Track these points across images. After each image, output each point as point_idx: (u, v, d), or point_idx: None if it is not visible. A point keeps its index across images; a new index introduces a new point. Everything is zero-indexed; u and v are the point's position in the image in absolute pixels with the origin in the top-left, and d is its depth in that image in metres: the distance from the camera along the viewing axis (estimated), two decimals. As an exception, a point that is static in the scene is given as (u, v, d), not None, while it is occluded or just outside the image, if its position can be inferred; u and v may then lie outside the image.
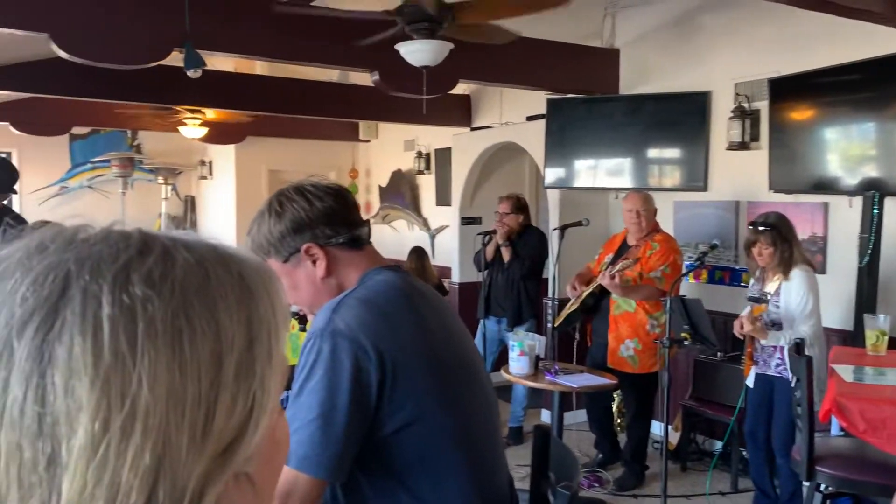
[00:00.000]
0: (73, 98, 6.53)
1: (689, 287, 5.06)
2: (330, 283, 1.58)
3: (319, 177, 1.66)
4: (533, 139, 5.93)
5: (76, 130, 9.09)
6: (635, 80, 5.53)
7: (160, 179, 9.57)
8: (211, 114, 7.55)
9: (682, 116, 5.15)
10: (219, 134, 8.17)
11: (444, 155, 7.58)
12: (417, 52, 3.97)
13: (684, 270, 4.50)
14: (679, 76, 5.22)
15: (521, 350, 4.07)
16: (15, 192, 3.34)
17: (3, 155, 8.79)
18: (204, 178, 10.08)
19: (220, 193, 9.61)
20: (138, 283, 0.47)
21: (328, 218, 1.56)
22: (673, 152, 5.32)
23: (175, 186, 9.99)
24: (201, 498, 0.47)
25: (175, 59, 4.34)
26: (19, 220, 3.59)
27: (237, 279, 0.51)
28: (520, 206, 5.30)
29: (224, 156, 9.36)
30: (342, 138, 9.06)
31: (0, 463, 0.44)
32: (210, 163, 9.90)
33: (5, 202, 3.80)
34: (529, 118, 6.07)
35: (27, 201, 8.71)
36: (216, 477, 0.48)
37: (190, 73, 4.16)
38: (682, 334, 3.92)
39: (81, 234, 0.50)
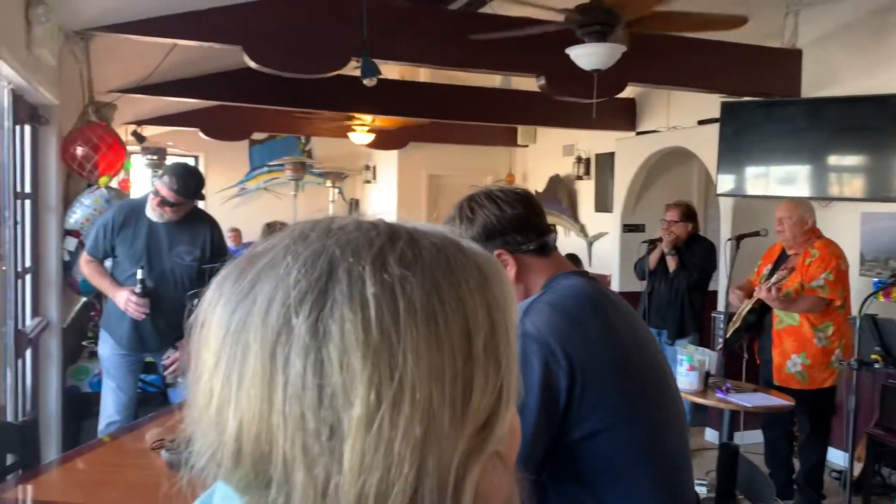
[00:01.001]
0: (254, 106, 7.03)
1: (879, 306, 4.64)
2: (518, 289, 1.58)
3: (504, 182, 1.67)
4: (704, 144, 5.68)
5: (255, 136, 9.76)
6: (819, 82, 5.16)
7: (328, 183, 10.09)
8: (377, 120, 7.86)
9: (872, 121, 4.73)
10: (384, 140, 8.49)
11: (604, 160, 7.44)
12: (589, 55, 3.93)
13: (873, 288, 4.13)
14: (869, 78, 4.82)
15: (691, 364, 3.90)
16: (203, 199, 3.61)
17: (191, 158, 9.63)
18: (368, 181, 10.51)
19: (383, 197, 9.98)
20: (394, 265, 0.49)
21: (519, 224, 1.57)
22: (859, 159, 4.92)
23: (341, 189, 10.49)
24: (465, 475, 0.49)
25: (348, 68, 4.55)
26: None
27: (474, 265, 0.53)
28: (689, 214, 5.09)
29: (387, 161, 9.72)
30: (500, 143, 9.13)
31: (287, 432, 0.47)
32: (374, 167, 10.31)
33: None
34: (701, 122, 5.83)
35: (211, 201, 9.45)
36: (477, 455, 0.50)
37: (366, 82, 4.34)
38: (873, 356, 3.60)
39: (334, 224, 0.54)
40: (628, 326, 1.56)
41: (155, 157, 8.04)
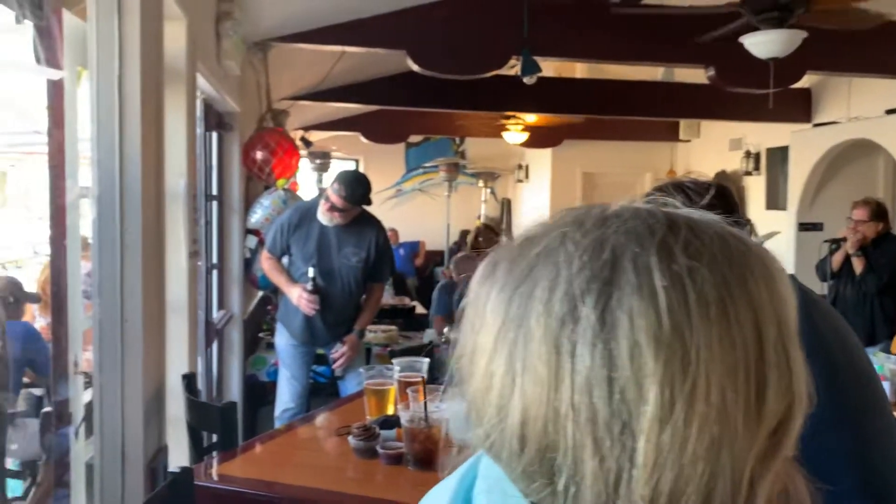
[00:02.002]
0: (412, 109, 7.23)
1: None
2: None
3: (697, 173, 1.59)
4: (892, 135, 5.19)
5: (412, 138, 10.02)
6: None
7: (480, 183, 10.18)
8: (532, 119, 7.83)
9: None
10: (538, 138, 8.44)
11: (776, 154, 6.98)
12: (765, 43, 3.69)
13: None
14: None
15: (882, 375, 3.57)
16: (370, 203, 3.74)
17: (352, 162, 10.05)
18: (520, 181, 10.50)
19: (536, 196, 9.93)
20: (681, 255, 0.47)
21: None
22: None
23: (493, 189, 10.55)
24: (758, 478, 0.47)
25: (504, 67, 4.56)
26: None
27: (756, 256, 0.50)
28: (879, 212, 4.66)
29: (540, 159, 9.65)
30: (660, 139, 8.82)
31: (577, 422, 0.46)
32: (527, 166, 10.28)
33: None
34: (889, 111, 5.33)
35: (370, 202, 9.81)
36: (770, 458, 0.48)
37: (526, 80, 4.33)
38: None
39: (608, 211, 0.52)
40: (834, 330, 1.45)
41: (320, 161, 8.46)
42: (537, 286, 0.49)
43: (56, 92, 1.89)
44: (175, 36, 2.39)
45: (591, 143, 8.94)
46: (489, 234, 6.06)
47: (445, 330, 4.53)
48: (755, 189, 7.52)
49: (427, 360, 2.18)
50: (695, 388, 0.44)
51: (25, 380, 2.98)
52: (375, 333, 4.49)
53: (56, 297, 1.98)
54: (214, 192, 3.95)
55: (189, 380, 2.25)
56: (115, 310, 1.91)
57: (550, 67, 6.73)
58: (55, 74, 1.61)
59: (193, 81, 2.67)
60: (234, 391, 4.11)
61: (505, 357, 0.49)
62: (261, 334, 4.80)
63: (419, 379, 1.96)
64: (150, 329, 2.00)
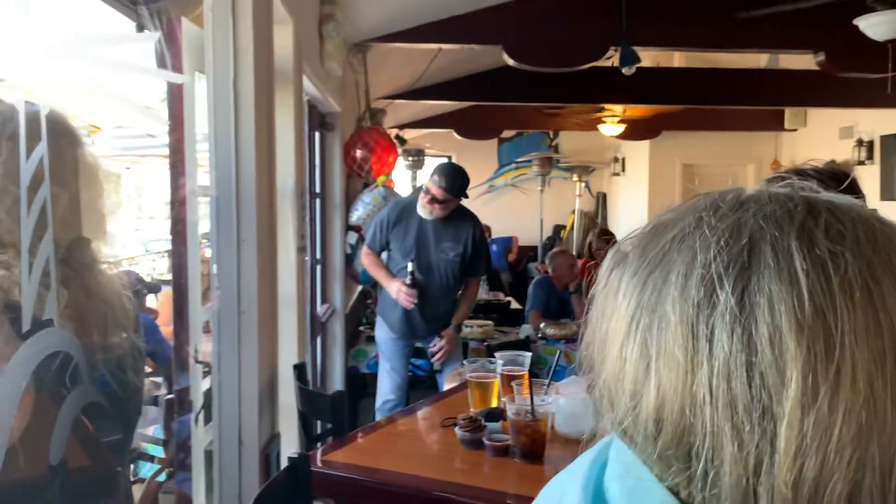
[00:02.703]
0: (505, 104, 7.22)
1: None
2: None
3: (818, 161, 1.52)
4: None
5: (504, 134, 10.01)
6: None
7: (574, 177, 10.06)
8: (629, 110, 7.68)
9: None
10: (635, 130, 8.27)
11: (891, 142, 6.59)
12: (883, 24, 3.49)
13: None
14: None
15: None
16: (467, 197, 3.76)
17: (445, 158, 10.13)
18: (616, 174, 10.31)
19: (632, 189, 9.73)
20: (822, 240, 0.46)
21: None
22: None
23: (588, 183, 10.40)
24: None
25: (600, 59, 4.49)
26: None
27: None
28: None
29: (637, 151, 9.45)
30: (764, 128, 8.47)
31: (715, 407, 0.46)
32: (623, 159, 10.09)
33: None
34: None
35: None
36: None
37: (625, 71, 4.26)
38: None
39: (743, 195, 0.51)
40: None
41: (414, 159, 8.58)
42: (672, 271, 0.49)
43: (176, 96, 2.00)
44: (283, 39, 2.48)
45: (691, 134, 8.68)
46: (603, 238, 6.01)
47: (542, 325, 4.51)
48: (868, 179, 7.10)
49: (530, 354, 2.19)
50: (840, 374, 0.44)
51: (147, 369, 3.17)
52: (472, 328, 4.52)
53: (177, 290, 2.10)
54: (317, 189, 4.08)
55: (300, 370, 2.33)
56: (233, 302, 2.01)
57: (647, 57, 6.57)
58: (179, 78, 1.70)
59: (300, 83, 2.76)
60: (337, 383, 4.23)
61: (639, 343, 0.49)
62: (361, 328, 4.91)
63: (523, 373, 1.97)
64: (265, 321, 2.09)
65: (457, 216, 3.75)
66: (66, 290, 0.99)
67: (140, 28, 1.80)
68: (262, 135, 2.09)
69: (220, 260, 2.01)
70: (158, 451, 2.26)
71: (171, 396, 2.10)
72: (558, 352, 3.00)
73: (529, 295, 4.86)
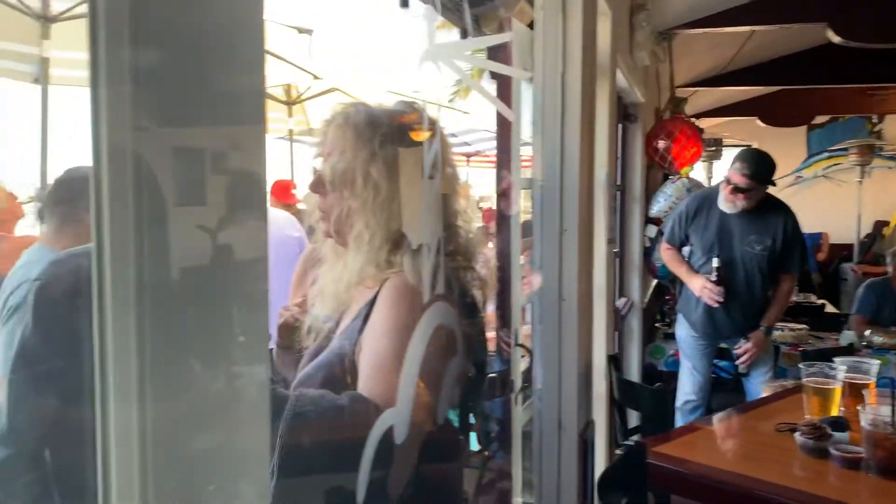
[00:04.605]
0: (818, 87, 6.56)
1: None
2: None
3: None
4: None
5: (816, 120, 9.10)
6: None
7: (901, 167, 8.82)
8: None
9: None
10: None
11: None
12: None
13: None
14: None
15: None
16: (774, 185, 3.47)
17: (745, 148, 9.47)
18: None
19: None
20: None
21: None
22: None
23: (919, 174, 9.07)
24: None
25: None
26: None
27: None
28: None
29: None
30: None
31: None
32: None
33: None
34: None
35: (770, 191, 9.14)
36: None
37: None
38: None
39: None
40: None
41: (711, 150, 8.15)
42: None
43: (505, 94, 2.12)
44: (602, 32, 2.50)
45: None
46: None
47: (867, 332, 4.04)
48: None
49: (877, 363, 1.97)
50: None
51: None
52: (783, 331, 4.19)
53: (501, 277, 2.23)
54: (618, 181, 4.06)
55: (615, 360, 2.35)
56: (554, 289, 2.08)
57: None
58: (524, 75, 1.80)
59: (614, 75, 2.77)
60: (634, 378, 4.19)
61: None
62: (657, 324, 4.80)
63: (868, 381, 1.78)
64: (583, 309, 2.14)
65: (764, 206, 3.49)
66: (464, 272, 1.10)
67: (464, 34, 1.93)
68: (586, 128, 2.13)
69: (544, 248, 2.10)
70: (485, 427, 2.43)
71: (493, 375, 2.24)
72: (889, 363, 2.67)
73: (858, 297, 4.37)
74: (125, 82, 0.55)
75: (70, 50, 3.51)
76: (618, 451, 1.79)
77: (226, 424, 0.62)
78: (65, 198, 1.69)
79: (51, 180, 3.21)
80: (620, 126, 4.05)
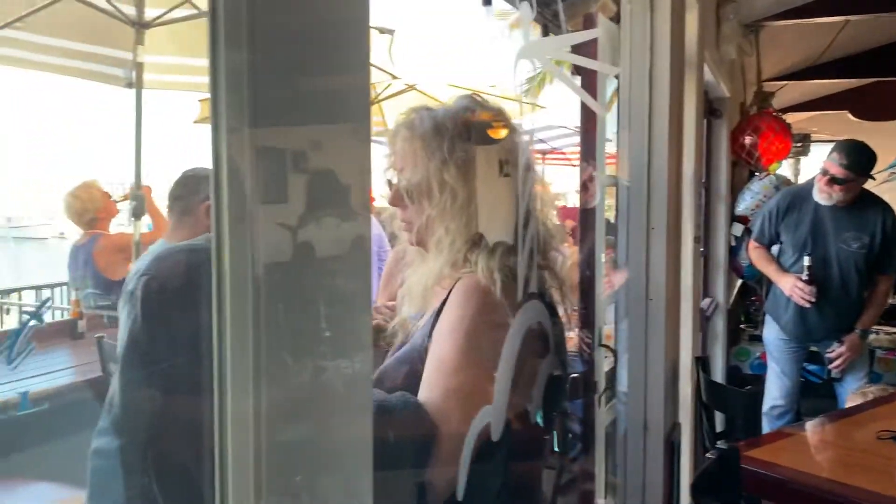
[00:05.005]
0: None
1: None
2: None
3: None
4: None
5: (912, 113, 8.63)
6: None
7: None
8: None
9: None
10: None
11: None
12: None
13: None
14: None
15: None
16: (873, 178, 3.30)
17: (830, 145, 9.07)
18: None
19: None
20: None
21: None
22: None
23: None
24: None
25: None
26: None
27: None
28: None
29: None
30: None
31: None
32: None
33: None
34: None
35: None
36: None
37: None
38: None
39: None
40: None
41: (798, 146, 7.83)
42: None
43: (590, 89, 2.09)
44: (689, 26, 2.43)
45: None
46: None
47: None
48: None
49: None
50: None
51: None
52: (878, 334, 4.00)
53: (584, 277, 2.20)
54: (703, 178, 3.95)
55: (703, 362, 2.29)
56: (641, 289, 2.04)
57: None
58: (612, 70, 1.77)
59: (701, 69, 2.70)
60: (718, 380, 4.07)
61: None
62: (742, 325, 4.65)
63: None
64: (670, 309, 2.09)
65: (861, 201, 3.33)
66: (541, 271, 1.10)
67: (545, 31, 1.91)
68: (673, 124, 2.08)
69: (631, 247, 2.06)
70: (566, 427, 2.41)
71: (575, 375, 2.21)
72: None
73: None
74: (242, 83, 0.56)
75: (162, 55, 3.65)
76: (707, 455, 1.74)
77: (334, 417, 0.63)
78: (181, 194, 1.94)
79: (145, 181, 3.36)
80: (705, 122, 3.94)
